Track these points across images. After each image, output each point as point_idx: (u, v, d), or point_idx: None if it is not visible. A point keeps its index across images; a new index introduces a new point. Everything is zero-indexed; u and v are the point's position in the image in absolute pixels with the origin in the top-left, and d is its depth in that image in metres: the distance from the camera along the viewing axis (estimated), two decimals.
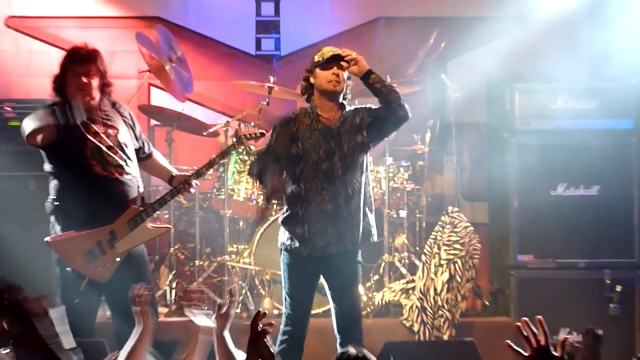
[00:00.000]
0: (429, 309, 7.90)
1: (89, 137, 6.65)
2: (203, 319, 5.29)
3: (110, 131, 6.80)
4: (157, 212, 7.63)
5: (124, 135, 6.81)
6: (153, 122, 8.77)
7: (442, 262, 8.00)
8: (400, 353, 6.50)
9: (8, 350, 5.12)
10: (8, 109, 8.42)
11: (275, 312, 7.86)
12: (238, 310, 8.03)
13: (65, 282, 6.68)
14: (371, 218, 7.03)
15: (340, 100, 6.80)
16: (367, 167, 6.96)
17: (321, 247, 6.75)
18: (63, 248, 6.79)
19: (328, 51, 6.84)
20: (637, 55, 8.54)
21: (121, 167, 6.75)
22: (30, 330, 4.07)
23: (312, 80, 6.81)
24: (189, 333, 5.10)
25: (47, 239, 6.81)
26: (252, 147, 8.19)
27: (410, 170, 8.65)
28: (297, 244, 6.78)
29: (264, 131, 7.69)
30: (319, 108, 6.83)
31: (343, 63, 6.73)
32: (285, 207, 6.89)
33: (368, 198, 6.98)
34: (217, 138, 8.69)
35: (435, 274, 7.98)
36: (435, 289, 7.92)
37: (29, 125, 6.76)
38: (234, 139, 7.83)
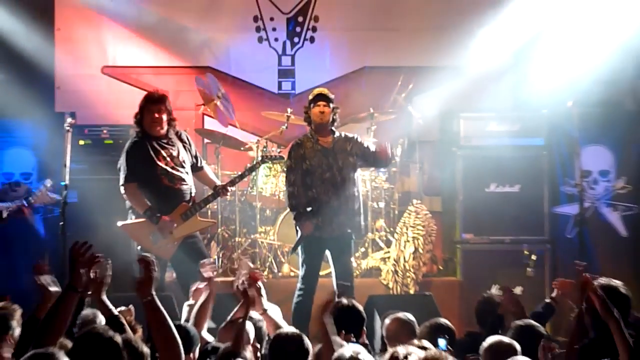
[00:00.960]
0: (399, 272, 7.91)
1: (159, 162, 6.78)
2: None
3: (174, 153, 6.90)
4: (208, 206, 7.60)
5: (183, 156, 6.99)
6: (206, 140, 8.71)
7: (409, 238, 7.98)
8: (379, 303, 6.53)
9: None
10: (104, 131, 8.40)
11: (292, 274, 7.95)
12: (265, 273, 8.00)
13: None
14: (362, 214, 7.11)
15: (330, 127, 6.90)
16: (358, 177, 7.03)
17: (329, 232, 6.80)
18: (131, 230, 6.91)
19: (317, 91, 7.02)
20: (547, 92, 8.54)
21: (181, 180, 6.86)
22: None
23: (309, 113, 6.93)
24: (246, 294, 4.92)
25: (118, 223, 6.94)
26: (277, 156, 8.01)
27: (386, 174, 8.59)
28: (310, 224, 6.80)
29: (283, 156, 7.70)
30: (317, 134, 6.90)
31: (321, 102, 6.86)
32: (299, 201, 6.92)
33: (360, 198, 7.04)
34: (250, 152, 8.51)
35: (404, 247, 7.97)
36: (404, 258, 7.92)
37: (123, 171, 6.90)
38: (260, 158, 7.92)
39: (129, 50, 9.43)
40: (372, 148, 7.11)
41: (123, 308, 5.06)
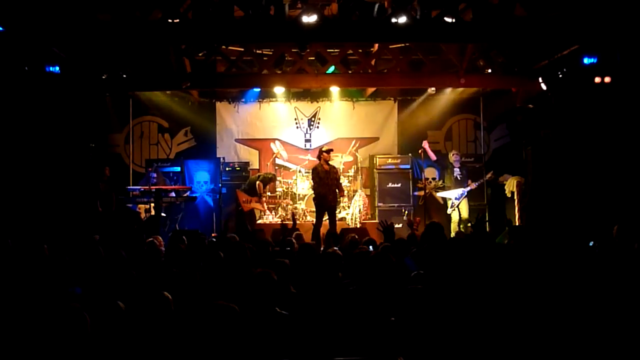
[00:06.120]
0: (354, 219, 8.44)
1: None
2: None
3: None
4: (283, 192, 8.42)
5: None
6: (276, 167, 9.12)
7: (357, 205, 8.47)
8: (346, 231, 6.37)
9: None
10: (235, 164, 9.00)
11: (312, 220, 8.00)
12: (300, 219, 8.34)
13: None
14: (341, 197, 7.61)
15: (328, 162, 7.29)
16: (340, 181, 7.46)
17: (328, 202, 7.21)
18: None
19: (324, 148, 7.49)
20: (412, 146, 9.00)
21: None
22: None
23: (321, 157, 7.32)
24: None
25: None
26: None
27: (348, 179, 8.79)
28: (320, 201, 7.18)
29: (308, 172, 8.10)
30: (323, 165, 7.27)
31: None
32: (317, 192, 7.25)
33: (341, 191, 7.46)
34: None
35: (355, 209, 8.45)
36: (354, 213, 8.48)
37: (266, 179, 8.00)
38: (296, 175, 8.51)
39: (244, 130, 9.70)
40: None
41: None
